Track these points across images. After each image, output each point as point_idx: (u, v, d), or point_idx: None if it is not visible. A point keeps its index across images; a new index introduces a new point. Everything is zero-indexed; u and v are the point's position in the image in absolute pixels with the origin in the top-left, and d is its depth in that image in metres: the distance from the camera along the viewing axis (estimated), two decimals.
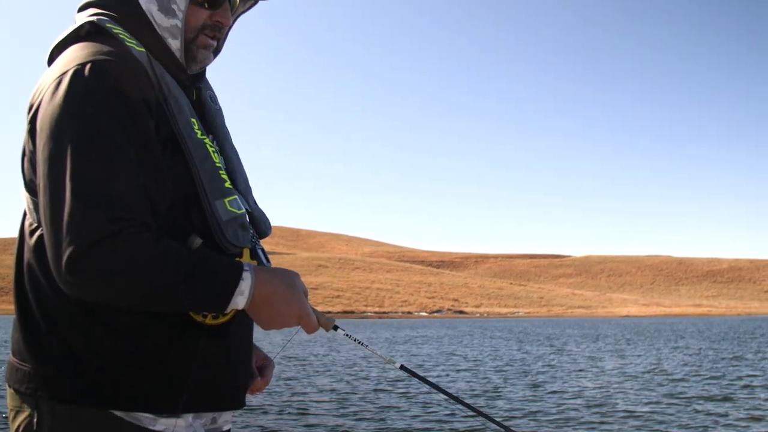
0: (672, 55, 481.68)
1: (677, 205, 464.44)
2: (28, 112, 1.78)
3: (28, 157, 1.77)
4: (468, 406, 2.17)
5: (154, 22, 1.88)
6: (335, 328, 1.93)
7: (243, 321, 1.93)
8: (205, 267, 1.67)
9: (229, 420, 2.00)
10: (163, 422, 1.78)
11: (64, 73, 1.71)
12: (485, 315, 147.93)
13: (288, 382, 17.65)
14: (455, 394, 2.08)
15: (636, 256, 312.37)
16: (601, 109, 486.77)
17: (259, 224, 2.03)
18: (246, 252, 1.89)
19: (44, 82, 1.77)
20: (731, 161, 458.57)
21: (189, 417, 1.82)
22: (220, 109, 2.07)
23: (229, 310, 1.74)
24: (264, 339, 30.29)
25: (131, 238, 1.59)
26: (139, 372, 1.74)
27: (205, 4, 1.91)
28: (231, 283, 1.70)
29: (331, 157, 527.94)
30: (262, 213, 2.07)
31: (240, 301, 1.72)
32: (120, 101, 1.68)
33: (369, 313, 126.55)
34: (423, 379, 2.10)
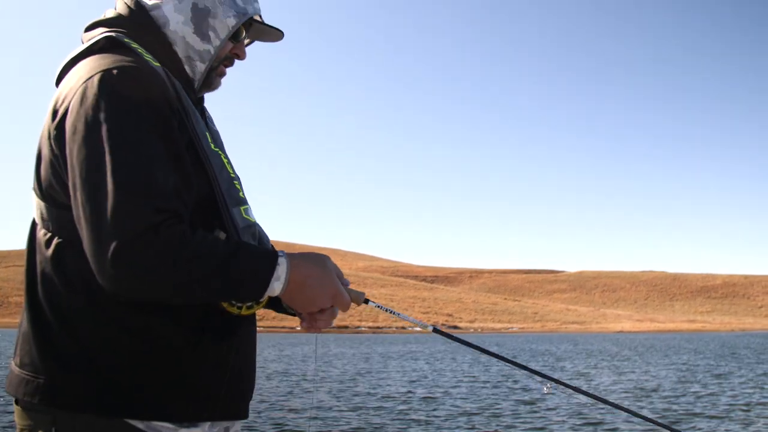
0: (669, 71, 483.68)
1: (672, 221, 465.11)
2: (53, 120, 1.79)
3: (48, 164, 1.79)
4: (522, 366, 2.18)
5: (177, 42, 1.95)
6: (366, 301, 1.96)
7: (252, 322, 1.99)
8: (243, 253, 1.71)
9: (239, 430, 2.01)
10: None
11: (91, 78, 1.75)
12: (479, 330, 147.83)
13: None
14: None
15: (630, 271, 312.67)
16: (596, 127, 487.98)
17: (261, 237, 2.06)
18: None
19: (68, 88, 1.80)
20: (726, 177, 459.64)
21: (206, 425, 1.84)
22: (217, 132, 2.12)
23: (266, 296, 1.78)
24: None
25: (172, 228, 1.63)
26: (159, 380, 1.75)
27: (232, 37, 2.01)
28: (268, 269, 1.73)
29: (326, 172, 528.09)
30: (261, 227, 2.10)
31: (277, 286, 1.75)
32: (149, 103, 1.73)
33: (363, 328, 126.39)
34: (459, 340, 2.10)
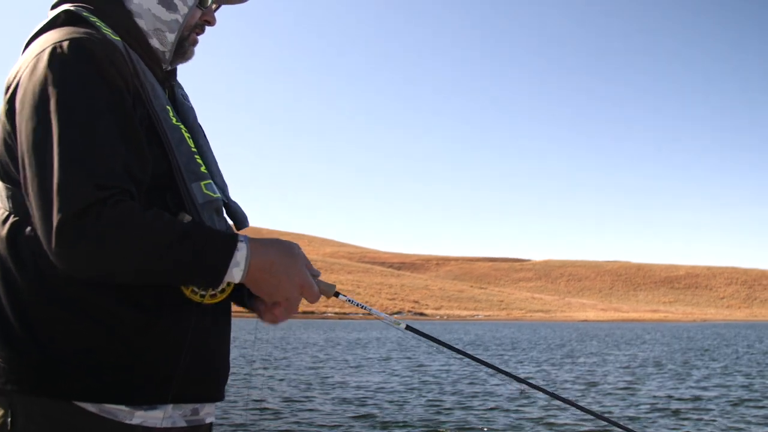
0: (642, 62, 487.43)
1: (637, 212, 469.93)
2: (5, 93, 1.76)
3: (2, 140, 1.74)
4: (482, 362, 2.14)
5: (143, 15, 1.91)
6: (336, 294, 1.88)
7: (226, 308, 1.92)
8: (198, 235, 1.64)
9: (212, 413, 1.93)
10: (139, 415, 1.72)
11: (43, 51, 1.70)
12: (445, 317, 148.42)
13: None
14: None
15: (595, 261, 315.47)
16: (564, 118, 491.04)
17: (236, 215, 2.02)
18: None
19: (22, 63, 1.76)
20: (691, 170, 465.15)
21: (168, 408, 1.76)
22: (192, 108, 2.07)
23: (225, 282, 1.69)
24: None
25: (119, 204, 1.57)
26: (111, 362, 1.68)
27: (199, 4, 1.96)
28: (227, 254, 1.66)
29: (294, 157, 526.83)
30: (238, 206, 2.05)
31: (236, 273, 1.68)
32: (101, 76, 1.68)
33: (329, 314, 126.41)
34: (431, 338, 2.07)
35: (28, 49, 1.82)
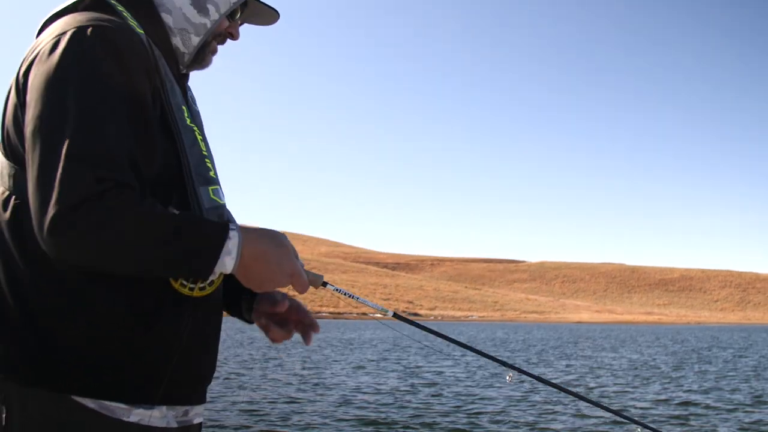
0: (634, 65, 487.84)
1: (632, 214, 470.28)
2: (20, 66, 1.72)
3: (12, 117, 1.71)
4: (481, 353, 2.14)
5: (173, 12, 1.87)
6: (324, 284, 1.88)
7: (216, 308, 1.89)
8: (190, 225, 1.60)
9: (200, 413, 1.90)
10: (137, 413, 1.69)
11: (63, 33, 1.65)
12: (439, 318, 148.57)
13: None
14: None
15: (590, 263, 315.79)
16: (559, 121, 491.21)
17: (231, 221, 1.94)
18: None
19: (40, 41, 1.71)
20: (687, 174, 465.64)
21: (164, 408, 1.74)
22: (199, 112, 2.04)
23: (216, 272, 1.64)
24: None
25: (118, 197, 1.53)
26: (111, 358, 1.66)
27: (229, 15, 1.94)
28: (218, 242, 1.62)
29: (289, 157, 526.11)
30: (230, 214, 2.00)
31: (228, 262, 1.63)
32: (119, 66, 1.64)
33: (324, 314, 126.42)
34: (418, 325, 2.04)
35: (49, 27, 1.76)
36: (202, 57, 1.95)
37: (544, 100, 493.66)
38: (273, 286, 1.74)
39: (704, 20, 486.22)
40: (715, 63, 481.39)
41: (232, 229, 1.65)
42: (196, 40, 1.90)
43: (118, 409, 1.66)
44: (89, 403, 1.64)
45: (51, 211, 1.50)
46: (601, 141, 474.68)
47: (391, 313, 2.03)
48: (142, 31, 1.77)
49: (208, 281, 1.75)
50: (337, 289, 1.97)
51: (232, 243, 1.63)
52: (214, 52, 1.98)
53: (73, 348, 1.64)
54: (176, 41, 1.90)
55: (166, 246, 1.56)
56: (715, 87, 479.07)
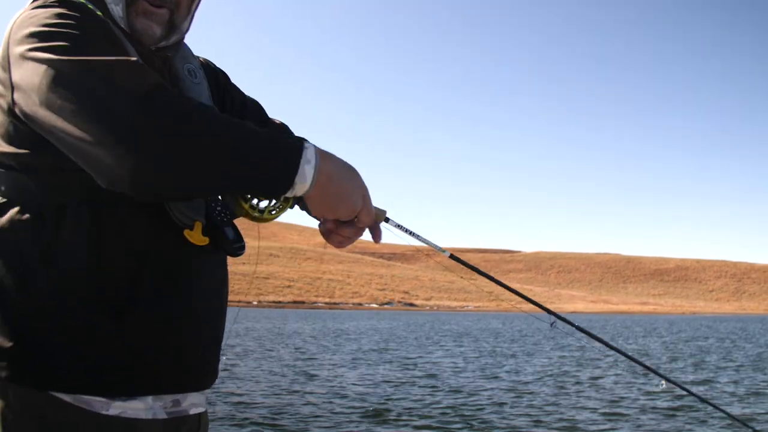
0: (631, 57, 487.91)
1: (627, 204, 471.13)
2: None
3: None
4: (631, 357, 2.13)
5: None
6: (386, 220, 1.79)
7: (208, 293, 1.76)
8: (261, 130, 1.46)
9: (199, 403, 1.80)
10: (117, 406, 1.62)
11: (33, 3, 1.61)
12: (435, 308, 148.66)
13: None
14: None
15: (585, 253, 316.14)
16: (553, 111, 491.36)
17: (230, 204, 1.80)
18: (198, 226, 1.68)
19: (11, 25, 1.60)
20: (682, 164, 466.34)
21: (149, 399, 1.66)
22: (200, 83, 1.90)
23: (296, 184, 1.49)
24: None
25: (162, 95, 1.41)
26: (85, 351, 1.59)
27: None
28: (297, 149, 1.49)
29: None
30: None
31: (308, 171, 1.49)
32: (95, 21, 1.57)
33: (319, 304, 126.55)
34: (473, 268, 2.04)
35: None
36: (131, 23, 1.72)
37: (540, 92, 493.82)
38: (348, 207, 1.62)
39: (693, 10, 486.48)
40: (709, 53, 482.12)
41: (306, 141, 1.53)
42: (117, 10, 1.71)
43: (95, 402, 1.60)
44: (65, 397, 1.59)
45: (125, 119, 1.37)
46: (597, 132, 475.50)
47: (448, 254, 2.00)
48: (101, 14, 1.65)
49: (281, 200, 1.65)
50: (398, 226, 1.85)
51: (310, 153, 1.51)
52: (146, 13, 1.73)
53: (45, 343, 1.58)
54: (117, 18, 1.72)
55: (247, 142, 1.43)
56: (709, 77, 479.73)
